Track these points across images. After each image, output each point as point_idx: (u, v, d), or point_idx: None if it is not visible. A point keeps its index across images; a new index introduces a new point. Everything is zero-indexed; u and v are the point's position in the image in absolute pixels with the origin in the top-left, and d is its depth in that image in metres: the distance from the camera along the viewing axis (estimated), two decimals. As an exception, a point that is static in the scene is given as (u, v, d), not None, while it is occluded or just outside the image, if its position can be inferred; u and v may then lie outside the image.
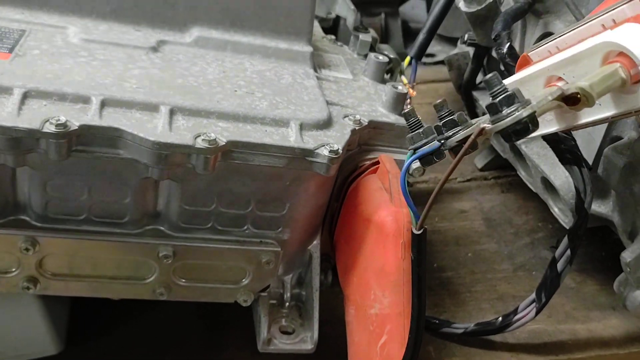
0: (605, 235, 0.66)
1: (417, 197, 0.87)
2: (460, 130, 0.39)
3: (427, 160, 0.42)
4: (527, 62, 0.48)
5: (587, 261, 0.75)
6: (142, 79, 0.55)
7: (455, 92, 0.86)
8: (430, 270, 0.75)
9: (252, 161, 0.53)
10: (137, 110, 0.52)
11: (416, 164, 0.62)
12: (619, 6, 0.39)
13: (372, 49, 0.75)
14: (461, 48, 0.81)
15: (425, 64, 1.09)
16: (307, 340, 0.60)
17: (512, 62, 0.59)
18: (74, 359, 0.63)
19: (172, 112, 0.52)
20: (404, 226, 0.55)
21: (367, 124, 0.60)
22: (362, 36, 0.74)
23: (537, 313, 0.61)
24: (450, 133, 0.39)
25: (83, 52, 0.57)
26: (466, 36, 0.75)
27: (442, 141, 0.39)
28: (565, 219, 0.67)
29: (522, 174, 0.76)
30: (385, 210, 0.56)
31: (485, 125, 0.36)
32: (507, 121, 0.35)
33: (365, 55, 0.75)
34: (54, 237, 0.54)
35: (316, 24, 0.80)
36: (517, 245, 0.79)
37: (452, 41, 1.07)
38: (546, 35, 0.64)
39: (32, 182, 0.52)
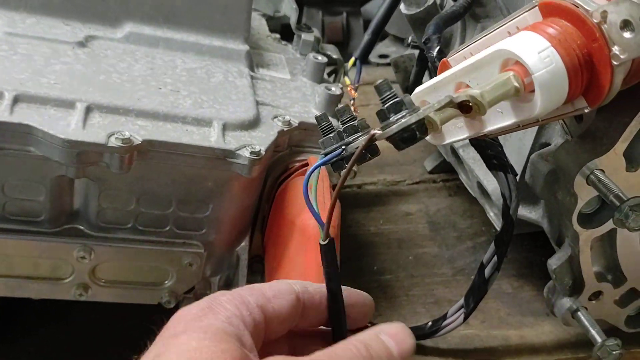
0: (546, 240, 0.66)
1: (365, 199, 0.87)
2: (359, 136, 0.38)
3: (337, 165, 0.41)
4: (446, 67, 0.47)
5: (526, 266, 0.75)
6: (63, 75, 0.54)
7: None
8: (369, 273, 0.74)
9: (171, 161, 0.52)
10: (52, 106, 0.51)
11: (347, 167, 0.62)
12: (521, 13, 0.39)
13: (316, 48, 0.74)
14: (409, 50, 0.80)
15: (378, 64, 1.08)
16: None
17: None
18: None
19: (88, 110, 0.51)
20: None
21: (297, 125, 0.59)
22: (304, 35, 0.73)
23: (465, 318, 0.60)
24: (351, 139, 0.38)
25: (4, 46, 0.55)
26: (409, 38, 0.75)
27: (344, 147, 0.38)
28: (499, 224, 0.67)
29: (462, 177, 0.75)
30: (308, 213, 0.55)
31: (375, 131, 0.35)
32: (394, 128, 0.35)
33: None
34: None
35: (263, 21, 0.79)
36: (459, 249, 0.78)
37: (408, 42, 1.06)
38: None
39: None
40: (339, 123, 0.39)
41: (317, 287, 0.43)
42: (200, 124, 0.54)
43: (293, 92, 0.65)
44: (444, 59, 0.47)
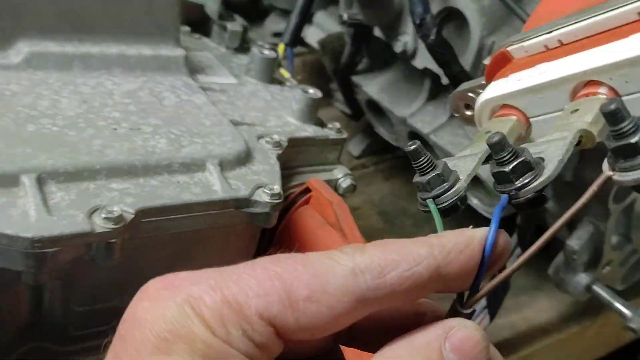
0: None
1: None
2: (534, 177, 0.29)
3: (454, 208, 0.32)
4: (507, 60, 0.39)
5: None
6: (-30, 136, 0.36)
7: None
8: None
9: (166, 229, 0.38)
10: (-16, 188, 0.33)
11: (347, 182, 0.53)
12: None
13: (244, 39, 0.61)
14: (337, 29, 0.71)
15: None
16: None
17: (443, 50, 0.50)
18: None
19: (40, 182, 0.35)
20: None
21: (286, 144, 0.48)
22: (230, 26, 0.60)
23: (492, 318, 0.56)
24: (526, 180, 0.29)
25: None
26: (345, 16, 0.65)
27: (513, 192, 0.29)
28: (488, 209, 0.63)
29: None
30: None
31: (610, 174, 0.27)
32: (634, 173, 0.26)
33: (236, 49, 0.61)
34: None
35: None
36: (421, 234, 0.73)
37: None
38: (448, 10, 0.57)
39: None
40: (495, 160, 0.30)
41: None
42: (191, 169, 0.40)
43: (253, 100, 0.53)
44: (503, 49, 0.39)
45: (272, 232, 0.49)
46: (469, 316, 0.27)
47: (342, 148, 0.53)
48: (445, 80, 0.60)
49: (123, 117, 0.42)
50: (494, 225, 0.29)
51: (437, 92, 0.65)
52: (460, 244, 0.27)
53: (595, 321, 0.64)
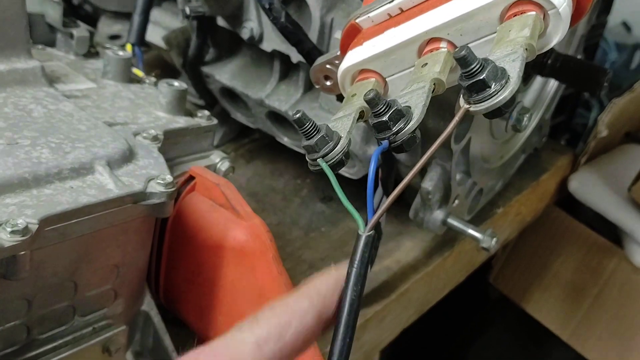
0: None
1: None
2: (407, 122, 0.34)
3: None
4: (357, 30, 0.45)
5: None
6: None
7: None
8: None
9: (69, 234, 0.39)
10: None
11: (226, 165, 0.55)
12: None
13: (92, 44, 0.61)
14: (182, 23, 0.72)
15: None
16: (184, 410, 0.49)
17: (294, 30, 0.55)
18: None
19: None
20: (267, 238, 0.48)
21: (162, 137, 0.49)
22: (77, 32, 0.59)
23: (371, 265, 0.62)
24: (402, 124, 0.34)
25: None
26: (187, 9, 0.67)
27: (392, 137, 0.34)
28: (350, 171, 0.69)
29: (284, 140, 0.73)
30: (237, 229, 0.48)
31: (467, 106, 0.33)
32: (488, 102, 0.32)
33: (86, 55, 0.61)
34: None
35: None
36: (292, 209, 0.78)
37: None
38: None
39: None
40: (373, 113, 0.35)
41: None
42: (80, 173, 0.41)
43: (117, 100, 0.53)
44: (352, 21, 0.44)
45: (164, 224, 0.51)
46: None
47: (214, 134, 0.56)
48: (295, 59, 0.64)
49: (-7, 134, 0.41)
50: (372, 163, 0.34)
51: (287, 71, 0.69)
52: (331, 285, 0.31)
53: (452, 251, 0.74)
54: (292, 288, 0.49)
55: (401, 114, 0.35)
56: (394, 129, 0.35)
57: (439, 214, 0.67)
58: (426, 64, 0.39)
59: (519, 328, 1.12)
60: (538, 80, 0.80)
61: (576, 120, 1.21)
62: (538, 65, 0.70)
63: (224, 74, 0.72)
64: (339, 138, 0.38)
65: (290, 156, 0.86)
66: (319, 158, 0.38)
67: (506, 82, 0.32)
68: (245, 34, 0.65)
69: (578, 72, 0.70)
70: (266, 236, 0.48)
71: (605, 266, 0.91)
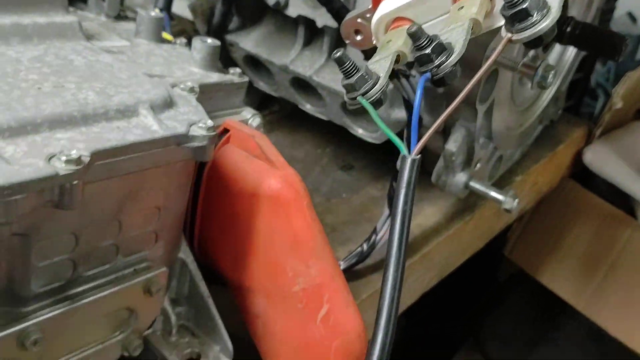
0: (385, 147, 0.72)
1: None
2: (449, 55, 0.35)
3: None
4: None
5: (380, 169, 0.80)
6: None
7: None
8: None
9: (116, 171, 0.40)
10: None
11: (257, 121, 0.57)
12: None
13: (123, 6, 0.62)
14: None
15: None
16: (220, 356, 0.51)
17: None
18: None
19: (-13, 139, 0.35)
20: (301, 187, 0.50)
21: (198, 90, 0.50)
22: (107, -7, 0.60)
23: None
24: (443, 58, 0.35)
25: None
26: (213, -24, 0.68)
27: (434, 69, 0.35)
28: (373, 135, 0.70)
29: (307, 107, 0.75)
30: (271, 178, 0.49)
31: (510, 35, 0.34)
32: (530, 31, 0.33)
33: (117, 17, 0.62)
34: None
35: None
36: (313, 177, 0.79)
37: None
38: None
39: None
40: (416, 46, 0.36)
41: None
42: (126, 115, 0.42)
43: (152, 57, 0.54)
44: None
45: (200, 176, 0.52)
46: None
47: (246, 91, 0.57)
48: (320, 23, 0.66)
49: (42, 79, 0.42)
50: (419, 90, 0.35)
51: (311, 37, 0.71)
52: None
53: (473, 216, 0.75)
54: (325, 236, 0.51)
55: (443, 48, 0.36)
56: (436, 62, 0.36)
57: (461, 177, 0.68)
58: (463, 7, 0.40)
59: (533, 302, 1.13)
60: (556, 50, 0.81)
61: (583, 110, 1.23)
62: (557, 33, 0.71)
63: (248, 41, 0.73)
64: (378, 77, 0.39)
65: (309, 127, 0.87)
66: (358, 96, 0.39)
67: (547, 12, 0.33)
68: (271, 0, 0.67)
69: (597, 39, 0.71)
70: (300, 185, 0.50)
71: (619, 236, 0.92)
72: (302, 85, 0.73)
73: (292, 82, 0.73)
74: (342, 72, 0.39)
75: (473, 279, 1.16)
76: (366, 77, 0.39)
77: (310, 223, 0.49)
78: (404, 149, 0.35)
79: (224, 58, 0.78)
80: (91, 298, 0.42)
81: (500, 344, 1.15)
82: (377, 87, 0.39)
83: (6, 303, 0.39)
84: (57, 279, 0.41)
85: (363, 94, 0.39)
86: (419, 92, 0.35)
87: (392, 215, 0.34)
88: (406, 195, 0.33)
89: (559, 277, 0.98)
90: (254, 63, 0.76)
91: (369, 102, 0.39)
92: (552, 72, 0.56)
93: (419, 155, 0.35)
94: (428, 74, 0.36)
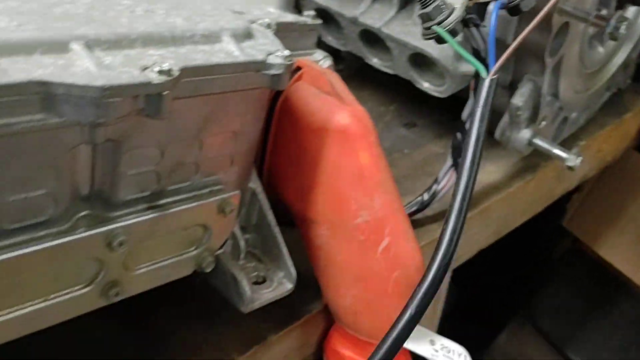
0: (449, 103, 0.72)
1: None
2: None
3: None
4: None
5: (442, 127, 0.81)
6: (13, 14, 0.38)
7: None
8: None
9: (200, 90, 0.43)
10: (42, 53, 0.36)
11: (328, 63, 0.58)
12: None
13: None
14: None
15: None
16: (284, 281, 0.54)
17: None
18: None
19: (89, 48, 0.38)
20: (369, 123, 0.51)
21: (275, 28, 0.53)
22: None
23: (458, 177, 0.64)
24: None
25: None
26: None
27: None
28: (439, 88, 0.71)
29: (373, 61, 0.76)
30: (341, 113, 0.51)
31: None
32: None
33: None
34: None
35: None
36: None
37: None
38: None
39: None
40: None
41: None
42: (210, 40, 0.44)
43: (229, -2, 0.57)
44: None
45: (272, 112, 0.54)
46: None
47: (318, 34, 0.59)
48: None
49: (134, 4, 0.45)
50: (494, 14, 0.36)
51: (381, -10, 0.72)
52: None
53: (534, 176, 0.75)
54: (390, 172, 0.53)
55: None
56: None
57: (525, 133, 0.68)
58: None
59: (588, 279, 1.12)
60: (630, 12, 0.80)
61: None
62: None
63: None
64: (453, 8, 0.40)
65: (374, 86, 0.89)
66: (434, 25, 0.40)
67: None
68: (343, -48, 0.68)
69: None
70: (368, 121, 0.51)
71: (684, 211, 0.90)
72: (370, 39, 0.75)
73: (360, 35, 0.74)
74: (419, 1, 0.40)
75: (528, 253, 1.16)
76: (442, 7, 0.40)
77: (377, 158, 0.51)
78: (482, 70, 0.36)
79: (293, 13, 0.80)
80: (172, 210, 0.45)
81: (553, 318, 1.14)
82: (452, 17, 0.40)
83: (97, 207, 0.42)
84: (143, 189, 0.44)
85: (438, 23, 0.40)
86: (494, 16, 0.36)
87: (467, 135, 0.35)
88: (482, 114, 0.35)
89: (618, 250, 0.97)
90: (323, 17, 0.78)
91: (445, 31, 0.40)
92: (625, 23, 0.55)
93: (497, 75, 0.36)
94: (502, 2, 0.37)
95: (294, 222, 0.57)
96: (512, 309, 1.19)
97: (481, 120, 0.35)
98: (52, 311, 0.41)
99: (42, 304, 0.41)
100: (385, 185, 0.51)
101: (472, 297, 1.22)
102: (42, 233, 0.39)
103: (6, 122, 0.34)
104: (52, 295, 0.41)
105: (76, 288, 0.42)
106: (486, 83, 0.36)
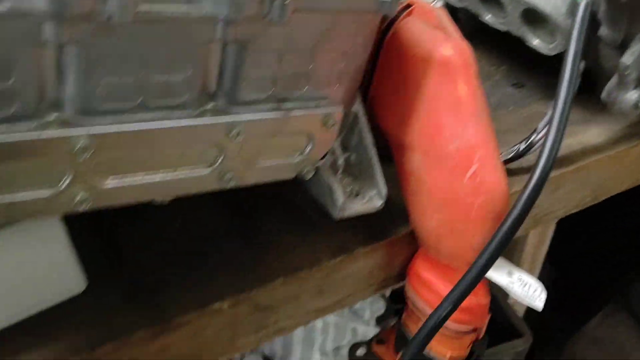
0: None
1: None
2: None
3: None
4: None
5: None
6: None
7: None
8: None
9: (320, 5, 0.48)
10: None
11: (440, 4, 0.62)
12: None
13: None
14: None
15: None
16: (374, 198, 0.59)
17: None
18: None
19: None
20: (470, 56, 0.55)
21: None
22: None
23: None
24: None
25: None
26: None
27: None
28: (549, 46, 0.72)
29: (486, 18, 0.79)
30: (445, 45, 0.55)
31: None
32: None
33: None
34: (112, 132, 0.44)
35: None
36: (484, 89, 0.83)
37: None
38: None
39: (77, 64, 0.41)
40: None
41: None
42: (330, -36, 0.50)
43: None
44: None
45: (382, 44, 0.59)
46: None
47: None
48: None
49: None
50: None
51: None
52: None
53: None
54: (487, 105, 0.56)
55: None
56: None
57: (633, 94, 0.68)
58: None
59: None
60: None
61: None
62: None
63: None
64: None
65: (487, 47, 0.90)
66: None
67: None
68: None
69: None
70: (470, 54, 0.55)
71: None
72: (531, 18, 0.75)
73: (522, 14, 0.76)
74: None
75: (628, 239, 1.13)
76: None
77: (474, 90, 0.54)
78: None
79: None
80: (283, 113, 0.52)
81: (652, 307, 1.11)
82: None
83: (221, 102, 0.49)
84: (261, 91, 0.50)
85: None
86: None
87: (565, 55, 0.38)
88: (579, 32, 0.37)
89: None
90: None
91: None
92: None
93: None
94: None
95: (388, 156, 0.62)
96: (608, 294, 1.17)
97: (578, 40, 0.37)
98: (176, 184, 0.49)
99: (170, 175, 0.49)
100: (480, 115, 0.54)
101: (568, 280, 1.21)
102: (176, 113, 0.47)
103: (160, 9, 0.41)
104: (179, 169, 0.49)
105: (198, 167, 0.50)
106: (582, 5, 0.39)
